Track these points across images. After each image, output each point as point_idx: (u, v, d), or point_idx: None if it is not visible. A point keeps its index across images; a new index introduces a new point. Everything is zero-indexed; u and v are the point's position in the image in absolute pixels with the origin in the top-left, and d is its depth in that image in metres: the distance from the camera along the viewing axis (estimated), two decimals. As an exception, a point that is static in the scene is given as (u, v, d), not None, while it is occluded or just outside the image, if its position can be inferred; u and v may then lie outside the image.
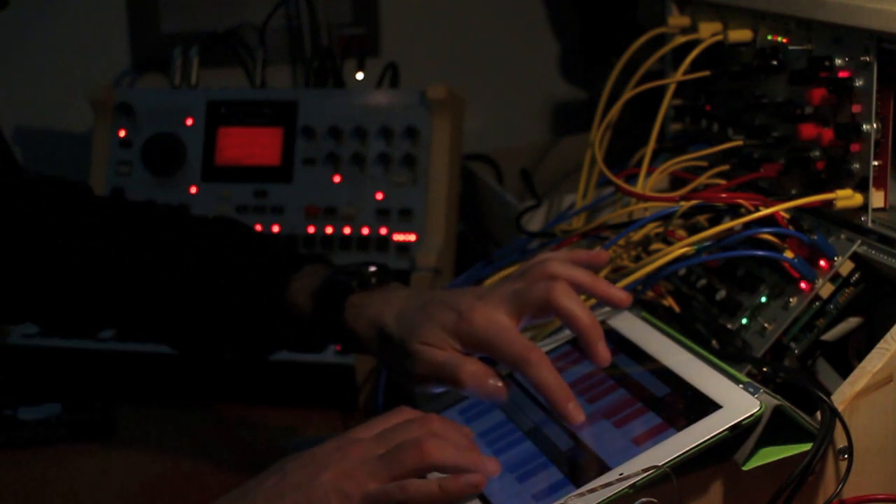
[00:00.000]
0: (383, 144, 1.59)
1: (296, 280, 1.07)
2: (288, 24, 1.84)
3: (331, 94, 1.68)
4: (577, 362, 1.02)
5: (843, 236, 1.09)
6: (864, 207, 1.08)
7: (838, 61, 1.08)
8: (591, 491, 0.84)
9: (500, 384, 0.96)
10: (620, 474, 0.84)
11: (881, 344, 0.96)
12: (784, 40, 1.17)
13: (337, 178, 1.59)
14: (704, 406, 0.89)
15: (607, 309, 1.05)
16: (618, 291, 1.01)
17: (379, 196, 1.58)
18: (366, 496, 0.85)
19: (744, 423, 0.86)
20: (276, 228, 1.58)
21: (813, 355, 1.09)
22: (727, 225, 1.12)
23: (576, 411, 0.93)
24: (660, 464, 0.84)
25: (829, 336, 1.09)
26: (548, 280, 0.97)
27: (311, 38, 1.83)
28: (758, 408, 0.86)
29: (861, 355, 0.98)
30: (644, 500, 0.83)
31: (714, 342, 1.10)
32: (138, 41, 1.81)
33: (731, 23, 1.25)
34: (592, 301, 1.05)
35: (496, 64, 1.97)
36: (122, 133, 1.66)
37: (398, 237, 1.55)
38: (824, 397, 0.92)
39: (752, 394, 0.88)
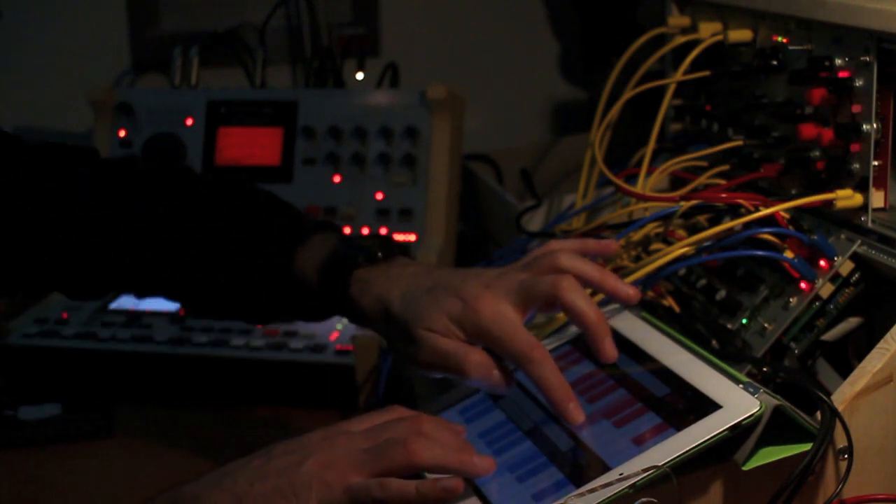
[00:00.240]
0: (383, 144, 1.59)
1: (303, 251, 1.07)
2: (288, 24, 1.84)
3: (331, 94, 1.68)
4: (577, 362, 1.02)
5: (843, 236, 1.09)
6: (864, 207, 1.08)
7: (838, 61, 1.08)
8: (591, 491, 0.84)
9: (504, 375, 0.96)
10: (620, 474, 0.84)
11: (881, 344, 0.96)
12: (784, 40, 1.17)
13: (337, 178, 1.59)
14: (704, 406, 0.89)
15: (608, 308, 1.05)
16: (626, 287, 1.00)
17: (379, 196, 1.58)
18: (347, 488, 0.85)
19: (744, 423, 0.86)
20: (276, 228, 1.58)
21: (813, 355, 1.09)
22: (727, 225, 1.12)
23: (576, 411, 0.93)
24: (660, 464, 0.84)
25: (829, 336, 1.09)
26: (555, 273, 0.97)
27: (311, 38, 1.83)
28: (758, 408, 0.86)
29: (861, 355, 0.98)
30: (644, 500, 0.83)
31: (714, 342, 1.10)
32: (138, 41, 1.81)
33: (731, 23, 1.25)
34: (600, 296, 1.04)
35: (496, 64, 1.97)
36: (122, 133, 1.66)
37: (398, 237, 1.55)
38: (824, 397, 0.92)
39: (752, 394, 0.88)
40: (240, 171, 1.62)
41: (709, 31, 1.27)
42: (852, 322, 1.09)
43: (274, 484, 0.86)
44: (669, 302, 1.18)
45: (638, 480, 0.83)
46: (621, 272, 1.14)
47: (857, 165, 1.07)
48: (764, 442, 0.87)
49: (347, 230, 1.56)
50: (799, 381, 0.98)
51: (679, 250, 1.12)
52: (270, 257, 1.08)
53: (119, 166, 1.16)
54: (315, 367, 1.35)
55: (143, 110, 1.65)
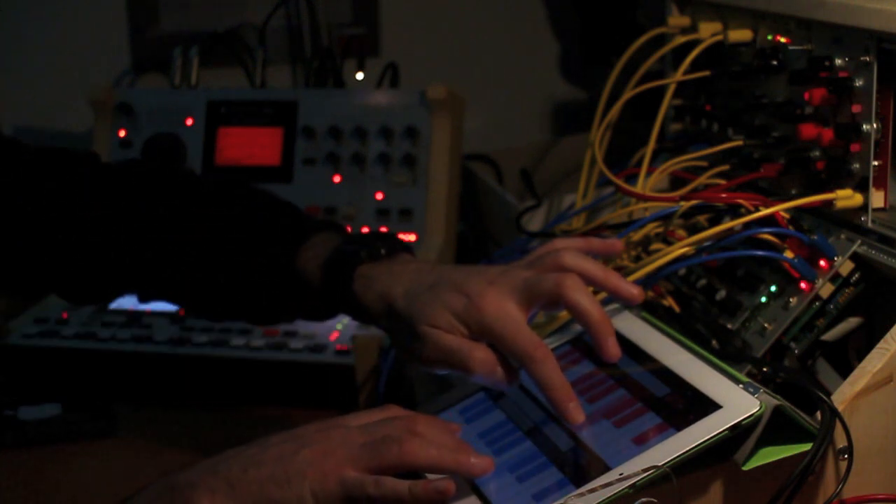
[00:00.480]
0: (383, 144, 1.59)
1: (305, 250, 1.07)
2: (288, 24, 1.84)
3: (331, 94, 1.68)
4: (577, 362, 1.02)
5: (843, 236, 1.09)
6: (864, 207, 1.08)
7: (838, 61, 1.08)
8: (591, 491, 0.84)
9: (508, 372, 0.96)
10: (620, 474, 0.84)
11: (881, 344, 0.96)
12: (784, 40, 1.17)
13: (337, 178, 1.59)
14: (704, 406, 0.89)
15: (608, 308, 1.05)
16: (630, 286, 1.00)
17: (379, 196, 1.58)
18: (342, 480, 0.85)
19: (744, 423, 0.86)
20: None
21: (813, 355, 1.09)
22: (727, 225, 1.12)
23: (576, 411, 0.93)
24: (660, 464, 0.84)
25: (829, 336, 1.09)
26: (559, 272, 0.97)
27: (311, 38, 1.83)
28: (758, 408, 0.86)
29: (861, 355, 0.98)
30: (644, 500, 0.83)
31: (714, 342, 1.10)
32: (138, 41, 1.81)
33: (731, 23, 1.25)
34: (601, 295, 1.04)
35: (496, 64, 1.97)
36: (122, 133, 1.66)
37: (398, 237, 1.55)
38: (824, 397, 0.92)
39: (752, 394, 0.88)
40: (240, 171, 1.62)
41: (709, 31, 1.27)
42: (852, 322, 1.09)
43: (269, 471, 0.86)
44: (669, 302, 1.18)
45: (638, 480, 0.83)
46: (621, 272, 1.14)
47: (857, 165, 1.07)
48: (764, 442, 0.87)
49: (347, 230, 1.56)
50: (799, 381, 0.98)
51: (679, 250, 1.12)
52: (273, 255, 1.08)
53: (119, 169, 1.16)
54: (315, 367, 1.35)
55: (143, 110, 1.65)
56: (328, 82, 1.77)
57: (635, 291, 1.00)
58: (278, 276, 1.07)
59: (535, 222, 1.48)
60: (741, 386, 0.90)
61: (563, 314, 1.07)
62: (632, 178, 1.27)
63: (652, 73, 1.33)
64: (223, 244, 1.10)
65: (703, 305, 1.17)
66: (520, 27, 1.99)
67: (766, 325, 1.10)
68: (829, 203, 1.09)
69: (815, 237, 1.09)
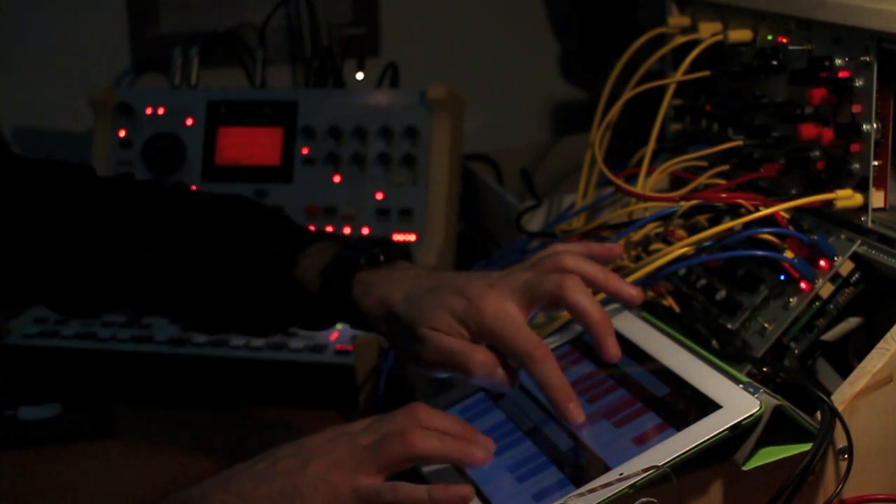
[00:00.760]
0: (383, 144, 1.59)
1: (304, 257, 1.07)
2: (288, 24, 1.84)
3: (331, 94, 1.68)
4: (577, 362, 1.02)
5: (843, 236, 1.09)
6: (864, 207, 1.08)
7: (838, 61, 1.08)
8: (591, 491, 0.84)
9: (508, 374, 0.96)
10: (620, 474, 0.84)
11: (881, 344, 0.96)
12: (784, 40, 1.17)
13: (337, 178, 1.59)
14: (704, 406, 0.89)
15: (609, 308, 1.05)
16: (629, 288, 1.00)
17: (379, 196, 1.58)
18: (355, 490, 0.86)
19: (744, 423, 0.86)
20: (276, 228, 1.58)
21: (813, 355, 1.09)
22: (727, 225, 1.12)
23: (576, 411, 0.93)
24: (660, 464, 0.84)
25: (829, 336, 1.09)
26: (559, 273, 0.97)
27: (311, 38, 1.83)
28: (758, 408, 0.86)
29: (861, 355, 0.98)
30: (644, 500, 0.83)
31: (714, 342, 1.10)
32: (138, 41, 1.81)
33: (731, 23, 1.25)
34: (601, 295, 1.04)
35: (496, 64, 1.97)
36: (122, 133, 1.66)
37: (398, 237, 1.55)
38: (824, 397, 0.92)
39: (752, 394, 0.88)
40: (240, 170, 1.62)
41: (709, 31, 1.27)
42: (852, 322, 1.09)
43: (279, 486, 0.87)
44: (669, 302, 1.18)
45: (638, 480, 0.84)
46: (621, 272, 1.14)
47: (857, 165, 1.07)
48: (764, 442, 0.87)
49: (347, 230, 1.56)
50: (799, 381, 0.98)
51: (679, 250, 1.12)
52: (270, 263, 1.08)
53: (113, 182, 1.16)
54: (315, 367, 1.35)
55: (143, 110, 1.65)
56: (328, 82, 1.77)
57: (635, 293, 1.00)
58: (276, 285, 1.07)
59: (535, 222, 1.48)
60: (741, 386, 0.90)
61: (564, 315, 1.07)
62: (632, 178, 1.27)
63: (652, 73, 1.33)
64: (219, 255, 1.10)
65: (703, 305, 1.17)
66: (520, 27, 1.99)
67: (766, 325, 1.10)
68: (829, 203, 1.09)
69: (815, 237, 1.09)
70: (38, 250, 1.11)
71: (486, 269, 1.37)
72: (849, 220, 1.10)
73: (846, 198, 1.08)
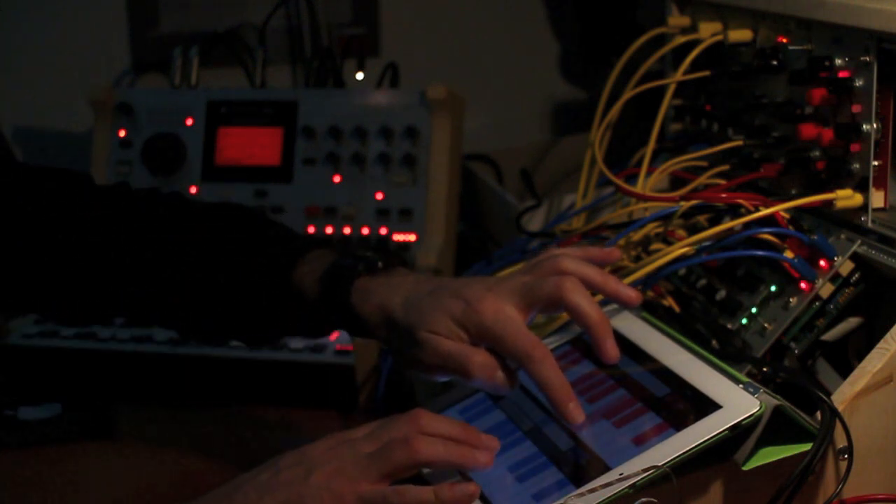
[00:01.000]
0: (383, 144, 1.59)
1: (302, 265, 1.07)
2: (288, 24, 1.84)
3: (331, 94, 1.68)
4: (577, 362, 1.02)
5: (843, 236, 1.09)
6: (864, 207, 1.08)
7: (838, 61, 1.08)
8: (591, 491, 0.84)
9: (508, 376, 0.96)
10: (620, 474, 0.84)
11: (881, 344, 0.96)
12: (784, 40, 1.17)
13: (337, 178, 1.59)
14: (704, 406, 0.89)
15: (608, 308, 1.05)
16: (628, 289, 1.00)
17: (379, 196, 1.57)
18: (360, 497, 0.86)
19: (744, 423, 0.86)
20: (276, 228, 1.58)
21: (813, 355, 1.09)
22: (727, 225, 1.12)
23: (576, 411, 0.93)
24: (660, 464, 0.84)
25: (829, 336, 1.09)
26: (558, 275, 0.97)
27: (311, 38, 1.83)
28: (758, 408, 0.86)
29: (861, 355, 0.98)
30: (644, 500, 0.83)
31: (714, 342, 1.10)
32: (138, 41, 1.81)
33: (731, 23, 1.25)
34: (599, 297, 1.04)
35: (496, 64, 1.97)
36: (122, 133, 1.66)
37: (398, 237, 1.55)
38: (824, 397, 0.92)
39: (752, 394, 0.88)
40: (240, 170, 1.62)
41: (709, 31, 1.27)
42: (852, 322, 1.09)
43: (283, 497, 0.87)
44: (669, 302, 1.18)
45: (638, 480, 0.84)
46: (621, 272, 1.14)
47: (857, 165, 1.07)
48: (764, 442, 0.87)
49: (347, 230, 1.56)
50: (799, 381, 0.98)
51: (679, 250, 1.12)
52: (268, 270, 1.07)
53: (111, 190, 1.16)
54: (315, 367, 1.35)
55: (143, 110, 1.65)
56: (328, 82, 1.77)
57: (633, 294, 1.01)
58: (274, 292, 1.07)
59: (535, 222, 1.48)
60: (741, 386, 0.90)
61: (563, 316, 1.07)
62: (632, 178, 1.27)
63: (652, 73, 1.33)
64: (217, 262, 1.09)
65: (703, 305, 1.17)
66: (520, 27, 1.99)
67: (766, 325, 1.10)
68: (829, 203, 1.09)
69: (815, 237, 1.09)
70: (36, 252, 1.11)
71: (485, 269, 1.37)
72: (849, 220, 1.10)
73: (846, 198, 1.08)
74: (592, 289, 0.99)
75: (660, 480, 0.84)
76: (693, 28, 1.30)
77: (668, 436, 0.87)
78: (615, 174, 1.25)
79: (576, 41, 2.00)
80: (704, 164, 1.26)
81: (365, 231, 1.56)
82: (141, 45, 1.81)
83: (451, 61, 1.93)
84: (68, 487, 1.22)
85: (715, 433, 0.86)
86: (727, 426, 0.86)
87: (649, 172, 1.27)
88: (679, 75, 1.27)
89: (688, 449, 0.85)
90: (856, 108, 1.06)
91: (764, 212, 1.10)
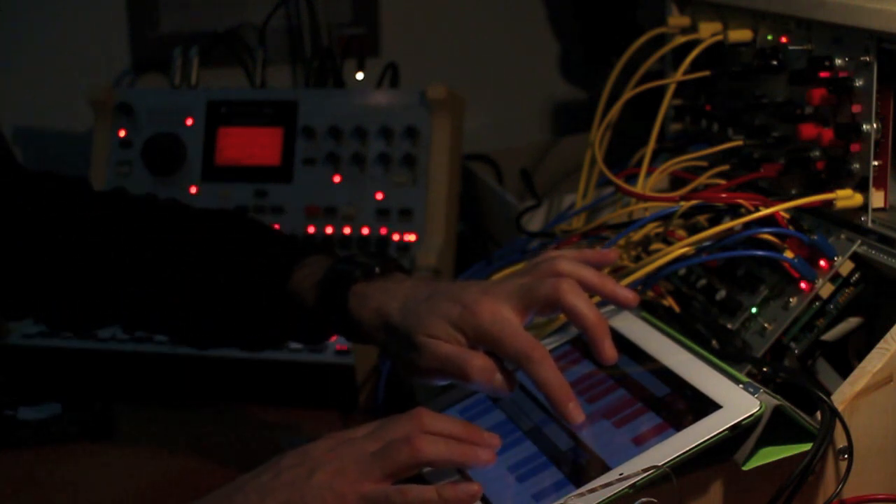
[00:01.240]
0: (383, 144, 1.59)
1: (299, 270, 1.07)
2: (288, 24, 1.84)
3: (331, 94, 1.68)
4: (576, 362, 1.02)
5: (843, 236, 1.09)
6: (864, 207, 1.08)
7: (838, 61, 1.08)
8: (591, 491, 0.84)
9: (506, 378, 0.96)
10: (620, 474, 0.84)
11: (881, 344, 0.96)
12: (784, 40, 1.17)
13: (337, 178, 1.59)
14: (704, 406, 0.89)
15: (608, 308, 1.05)
16: (625, 291, 1.01)
17: (379, 196, 1.58)
18: (363, 496, 0.86)
19: (744, 423, 0.86)
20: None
21: (813, 355, 1.09)
22: (727, 225, 1.12)
23: (576, 411, 0.93)
24: (660, 464, 0.84)
25: (829, 336, 1.09)
26: (555, 277, 0.97)
27: (311, 38, 1.83)
28: (758, 408, 0.86)
29: (861, 355, 0.98)
30: (644, 500, 0.83)
31: (714, 342, 1.10)
32: (138, 41, 1.81)
33: (731, 23, 1.25)
34: (596, 299, 1.05)
35: (496, 64, 1.97)
36: (122, 133, 1.66)
37: (398, 237, 1.55)
38: (824, 397, 0.92)
39: (752, 394, 0.88)
40: (240, 170, 1.62)
41: (709, 31, 1.27)
42: (852, 322, 1.09)
43: (285, 498, 0.87)
44: (669, 302, 1.18)
45: (638, 480, 0.84)
46: (621, 272, 1.14)
47: (857, 165, 1.07)
48: (764, 442, 0.87)
49: (347, 230, 1.56)
50: (799, 381, 0.98)
51: (679, 250, 1.12)
52: (265, 276, 1.07)
53: (108, 195, 1.17)
54: (315, 367, 1.35)
55: (143, 110, 1.65)
56: (328, 82, 1.77)
57: (630, 296, 1.01)
58: (271, 298, 1.07)
59: (535, 222, 1.48)
60: (741, 386, 0.90)
61: (561, 317, 1.07)
62: (632, 178, 1.27)
63: (652, 73, 1.33)
64: (214, 267, 1.09)
65: (703, 305, 1.17)
66: (520, 27, 1.99)
67: (766, 325, 1.10)
68: (829, 203, 1.09)
69: (815, 237, 1.09)
70: (36, 252, 1.11)
71: (485, 269, 1.37)
72: (849, 220, 1.10)
73: (846, 198, 1.08)
74: (589, 290, 0.99)
75: (660, 480, 0.84)
76: (693, 28, 1.30)
77: (668, 436, 0.87)
78: (615, 174, 1.25)
79: (576, 41, 1.99)
80: (704, 164, 1.26)
81: (365, 231, 1.56)
82: (141, 45, 1.81)
83: (451, 61, 1.93)
84: (68, 487, 1.22)
85: (715, 433, 0.86)
86: (727, 426, 0.86)
87: (649, 172, 1.27)
88: (679, 75, 1.27)
89: (688, 449, 0.85)
90: (856, 108, 1.06)
91: (764, 212, 1.10)
